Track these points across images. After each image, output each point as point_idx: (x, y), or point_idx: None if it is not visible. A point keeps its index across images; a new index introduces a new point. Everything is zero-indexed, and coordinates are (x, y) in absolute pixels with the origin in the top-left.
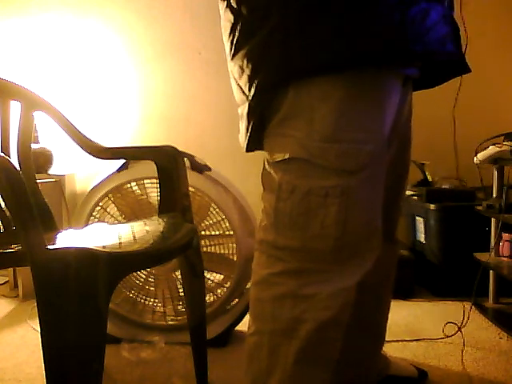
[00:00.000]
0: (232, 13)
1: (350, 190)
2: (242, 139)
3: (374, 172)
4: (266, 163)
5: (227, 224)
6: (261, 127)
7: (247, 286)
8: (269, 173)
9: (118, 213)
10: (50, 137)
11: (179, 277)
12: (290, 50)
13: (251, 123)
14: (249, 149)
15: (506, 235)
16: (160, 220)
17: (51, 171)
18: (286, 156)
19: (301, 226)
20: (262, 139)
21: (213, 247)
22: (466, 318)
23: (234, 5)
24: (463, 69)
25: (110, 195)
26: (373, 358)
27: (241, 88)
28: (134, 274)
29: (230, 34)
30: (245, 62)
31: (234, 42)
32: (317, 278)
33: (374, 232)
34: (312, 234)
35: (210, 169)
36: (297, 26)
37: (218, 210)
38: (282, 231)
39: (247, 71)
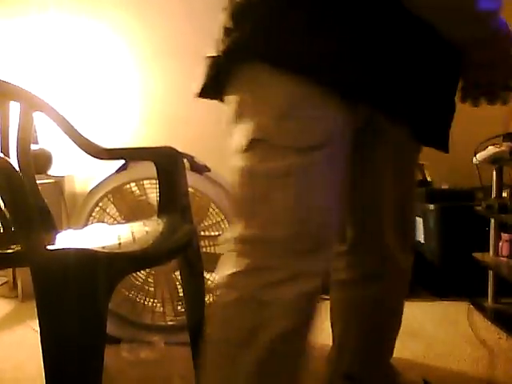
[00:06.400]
0: None
1: (306, 169)
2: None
3: (332, 152)
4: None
5: (227, 224)
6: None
7: None
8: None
9: (117, 213)
10: (49, 137)
11: (179, 277)
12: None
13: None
14: (200, 95)
15: (505, 235)
16: (159, 220)
17: (51, 172)
18: (247, 141)
19: (258, 212)
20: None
21: (212, 248)
22: (466, 319)
23: None
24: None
25: (109, 196)
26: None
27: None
28: (134, 274)
29: None
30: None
31: None
32: (278, 277)
33: (331, 222)
34: (267, 219)
35: (209, 169)
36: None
37: (217, 210)
38: (243, 220)
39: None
